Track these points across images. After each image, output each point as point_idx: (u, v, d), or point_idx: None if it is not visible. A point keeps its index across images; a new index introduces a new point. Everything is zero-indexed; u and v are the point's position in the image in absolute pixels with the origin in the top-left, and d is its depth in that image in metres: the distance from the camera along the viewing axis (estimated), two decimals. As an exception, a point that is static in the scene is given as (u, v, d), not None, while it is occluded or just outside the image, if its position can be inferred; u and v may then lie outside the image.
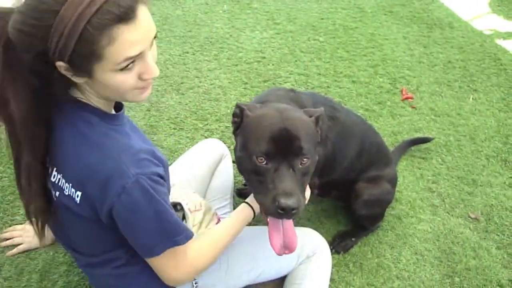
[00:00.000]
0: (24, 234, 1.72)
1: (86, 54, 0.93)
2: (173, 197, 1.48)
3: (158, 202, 1.06)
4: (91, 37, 0.91)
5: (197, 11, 3.31)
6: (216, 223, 1.52)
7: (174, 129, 2.34)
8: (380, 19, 3.39)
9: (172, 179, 1.62)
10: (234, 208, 1.89)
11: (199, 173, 1.74)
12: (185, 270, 1.21)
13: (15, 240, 1.72)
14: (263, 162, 1.18)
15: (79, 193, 1.05)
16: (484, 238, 1.92)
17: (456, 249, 1.87)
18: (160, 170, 1.09)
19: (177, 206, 1.47)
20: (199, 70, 2.74)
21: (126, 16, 0.92)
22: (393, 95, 2.66)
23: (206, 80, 2.67)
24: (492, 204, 2.07)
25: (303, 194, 1.20)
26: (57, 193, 1.10)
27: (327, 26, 3.25)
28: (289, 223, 1.23)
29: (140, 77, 1.02)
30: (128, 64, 0.98)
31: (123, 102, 1.21)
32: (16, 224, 1.79)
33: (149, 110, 2.44)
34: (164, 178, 1.12)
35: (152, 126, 2.35)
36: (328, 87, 2.68)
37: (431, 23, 3.36)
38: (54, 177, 1.09)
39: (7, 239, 1.73)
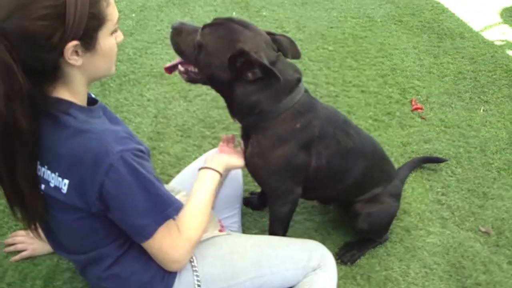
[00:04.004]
0: (27, 241, 1.71)
1: (95, 19, 1.03)
2: None
3: (145, 176, 1.10)
4: (96, 0, 1.02)
5: (206, 18, 3.30)
6: (219, 230, 1.52)
7: (181, 136, 2.33)
8: (390, 28, 3.37)
9: (180, 187, 1.63)
10: (242, 219, 1.89)
11: None
12: (182, 245, 1.23)
13: (18, 247, 1.71)
14: None
15: (66, 181, 1.08)
16: (495, 253, 1.89)
17: (466, 263, 1.84)
18: (141, 147, 1.13)
19: None
20: (207, 77, 2.73)
21: None
22: (403, 106, 2.64)
23: (214, 88, 2.66)
24: (503, 218, 2.03)
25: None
26: (43, 186, 1.12)
27: (336, 35, 3.24)
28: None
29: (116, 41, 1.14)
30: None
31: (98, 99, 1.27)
32: (21, 229, 1.78)
33: (156, 117, 2.44)
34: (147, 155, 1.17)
35: (159, 133, 2.34)
36: (336, 96, 2.66)
37: (442, 33, 3.33)
38: (39, 170, 1.11)
39: (11, 245, 1.72)
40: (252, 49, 1.33)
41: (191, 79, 1.49)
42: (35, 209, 1.13)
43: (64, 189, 1.09)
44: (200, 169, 1.46)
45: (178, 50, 1.46)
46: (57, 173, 1.09)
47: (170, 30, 1.45)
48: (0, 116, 0.98)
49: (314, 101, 1.53)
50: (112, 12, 1.08)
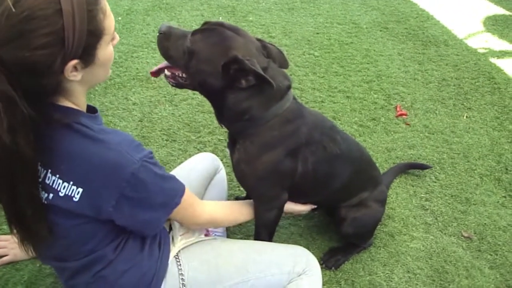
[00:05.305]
0: (9, 246, 1.68)
1: (93, 36, 1.00)
2: None
3: (160, 175, 1.14)
4: (93, 15, 0.98)
5: (192, 23, 3.31)
6: (205, 235, 1.52)
7: (167, 140, 2.32)
8: (375, 35, 3.40)
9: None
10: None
11: (193, 186, 1.72)
12: (204, 214, 1.36)
13: (-1, 251, 1.68)
14: None
15: (80, 189, 1.06)
16: (477, 258, 1.91)
17: (448, 268, 1.86)
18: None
19: None
20: (194, 81, 2.73)
21: None
22: (388, 111, 2.66)
23: (200, 92, 2.66)
24: (485, 223, 2.06)
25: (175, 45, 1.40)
26: (50, 195, 1.09)
27: (322, 41, 3.26)
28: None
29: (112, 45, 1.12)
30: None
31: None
32: (3, 234, 1.75)
33: (142, 121, 2.42)
34: None
35: (144, 137, 2.32)
36: (322, 101, 2.68)
37: (426, 40, 3.38)
38: (48, 179, 1.08)
39: (-8, 250, 1.69)
40: (245, 56, 1.32)
41: (178, 84, 1.46)
42: (36, 231, 1.11)
43: (77, 197, 1.07)
44: None
45: (167, 55, 1.43)
46: (71, 182, 1.07)
47: (158, 34, 1.42)
48: (5, 148, 0.95)
49: (302, 107, 1.53)
50: (109, 23, 1.04)
